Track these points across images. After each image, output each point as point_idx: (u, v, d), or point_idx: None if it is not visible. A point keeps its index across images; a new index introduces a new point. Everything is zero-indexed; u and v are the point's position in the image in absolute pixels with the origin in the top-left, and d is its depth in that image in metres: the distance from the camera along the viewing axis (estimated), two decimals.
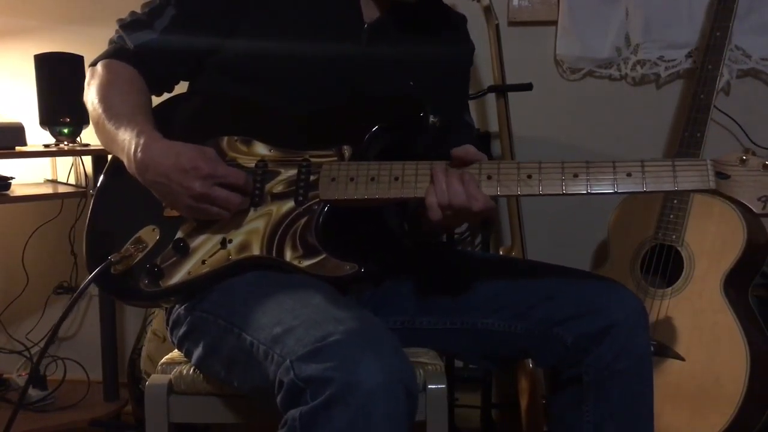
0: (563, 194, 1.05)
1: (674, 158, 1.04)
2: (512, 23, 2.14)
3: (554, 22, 2.12)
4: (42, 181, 2.31)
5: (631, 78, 2.13)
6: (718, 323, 1.72)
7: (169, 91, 1.36)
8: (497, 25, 1.96)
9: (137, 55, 1.27)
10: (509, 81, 1.98)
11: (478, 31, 2.09)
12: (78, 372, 2.24)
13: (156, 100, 1.34)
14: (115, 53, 1.29)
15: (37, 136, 2.14)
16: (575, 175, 1.05)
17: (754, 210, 1.01)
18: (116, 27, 1.30)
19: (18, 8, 2.31)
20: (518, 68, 2.03)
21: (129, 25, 1.29)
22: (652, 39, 2.07)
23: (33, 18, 2.30)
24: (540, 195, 1.06)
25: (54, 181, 2.31)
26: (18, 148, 2.03)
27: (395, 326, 1.29)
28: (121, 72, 1.27)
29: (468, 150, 1.08)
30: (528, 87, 1.95)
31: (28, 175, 2.28)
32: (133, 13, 1.30)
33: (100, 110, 1.22)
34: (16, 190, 2.03)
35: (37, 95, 2.07)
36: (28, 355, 2.30)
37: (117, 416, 2.18)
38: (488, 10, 1.96)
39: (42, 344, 2.28)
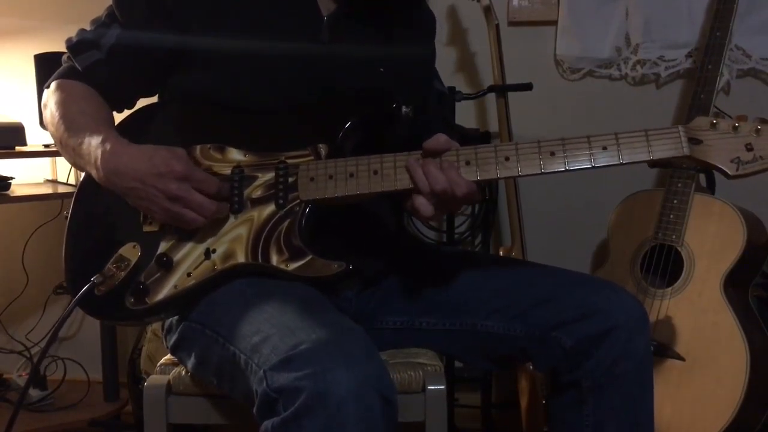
0: (542, 173, 1.06)
1: (647, 128, 1.04)
2: (512, 23, 2.14)
3: (554, 22, 2.12)
4: (42, 181, 2.31)
5: (631, 78, 2.13)
6: (718, 323, 1.72)
7: (130, 107, 1.32)
8: (497, 25, 1.95)
9: (87, 77, 1.25)
10: (509, 81, 1.97)
11: (478, 31, 2.11)
12: (78, 372, 2.24)
13: (123, 114, 1.31)
14: (67, 73, 1.27)
15: (37, 136, 2.14)
16: (552, 154, 1.06)
17: (728, 172, 1.01)
18: (65, 45, 1.28)
19: (18, 8, 2.31)
20: (518, 68, 2.03)
21: (76, 46, 1.26)
22: (652, 39, 2.07)
23: (33, 18, 2.30)
24: (519, 176, 1.07)
25: (54, 181, 2.31)
26: (18, 148, 2.04)
27: (395, 327, 1.29)
28: (76, 89, 1.24)
29: (439, 140, 1.08)
30: (528, 87, 1.95)
31: (28, 175, 2.28)
32: (81, 31, 1.28)
33: (61, 128, 1.19)
34: (16, 190, 2.04)
35: (37, 95, 2.06)
36: (28, 355, 2.30)
37: (117, 416, 2.18)
38: (488, 10, 1.96)
39: (42, 344, 2.28)
